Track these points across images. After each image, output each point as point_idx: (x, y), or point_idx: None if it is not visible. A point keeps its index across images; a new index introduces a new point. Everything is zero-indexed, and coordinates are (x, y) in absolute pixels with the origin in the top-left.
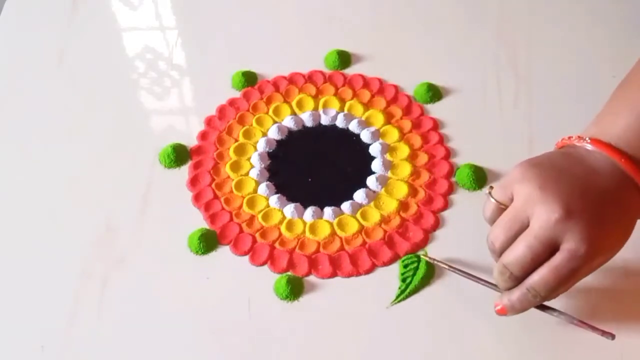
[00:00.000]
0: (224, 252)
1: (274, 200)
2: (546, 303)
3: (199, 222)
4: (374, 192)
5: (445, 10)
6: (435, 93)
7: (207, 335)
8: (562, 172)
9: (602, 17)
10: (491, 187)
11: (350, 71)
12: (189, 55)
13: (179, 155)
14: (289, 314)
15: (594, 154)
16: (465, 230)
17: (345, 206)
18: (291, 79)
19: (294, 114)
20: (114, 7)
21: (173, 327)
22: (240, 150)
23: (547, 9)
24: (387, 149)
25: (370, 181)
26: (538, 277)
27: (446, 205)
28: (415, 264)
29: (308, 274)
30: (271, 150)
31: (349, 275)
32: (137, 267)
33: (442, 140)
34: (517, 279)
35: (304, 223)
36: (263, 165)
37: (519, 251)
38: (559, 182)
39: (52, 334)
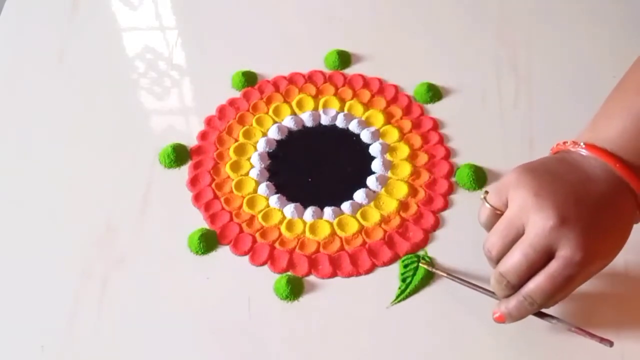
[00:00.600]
0: (224, 252)
1: (274, 200)
2: (545, 310)
3: (199, 222)
4: (374, 192)
5: (445, 10)
6: (435, 93)
7: (207, 335)
8: (556, 178)
9: (602, 17)
10: (486, 192)
11: (350, 71)
12: (189, 55)
13: (179, 155)
14: (289, 314)
15: (588, 159)
16: (465, 230)
17: (345, 206)
18: (291, 79)
19: (294, 114)
20: (114, 7)
21: (173, 327)
22: (240, 150)
23: (547, 9)
24: (387, 149)
25: (370, 181)
26: (534, 285)
27: (446, 205)
28: (415, 264)
29: (308, 274)
30: (271, 150)
31: (349, 275)
32: (137, 267)
33: (442, 140)
34: (514, 287)
35: (304, 223)
36: (263, 165)
37: (514, 259)
38: (553, 188)
39: (52, 334)
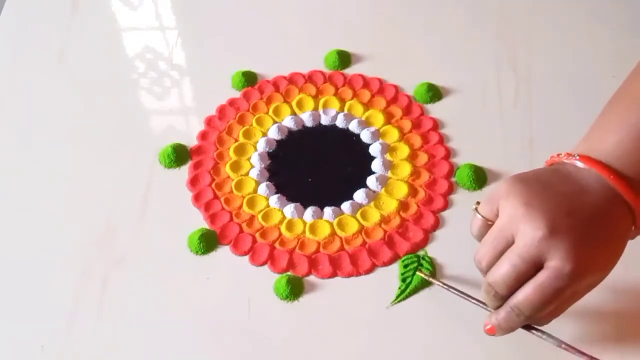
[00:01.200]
0: (224, 252)
1: (274, 200)
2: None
3: (199, 222)
4: (374, 192)
5: (445, 10)
6: (435, 93)
7: (207, 335)
8: (548, 188)
9: (602, 17)
10: (477, 203)
11: (350, 71)
12: (189, 55)
13: (179, 155)
14: (289, 314)
15: (582, 171)
16: (465, 230)
17: (345, 206)
18: (291, 79)
19: (294, 114)
20: (114, 7)
21: (173, 327)
22: (240, 150)
23: (547, 9)
24: (387, 149)
25: (370, 181)
26: (522, 295)
27: (446, 205)
28: (415, 264)
29: (308, 274)
30: (271, 150)
31: (349, 275)
32: (137, 267)
33: (442, 140)
34: (503, 298)
35: (304, 223)
36: (263, 165)
37: (503, 270)
38: (544, 198)
39: (52, 334)
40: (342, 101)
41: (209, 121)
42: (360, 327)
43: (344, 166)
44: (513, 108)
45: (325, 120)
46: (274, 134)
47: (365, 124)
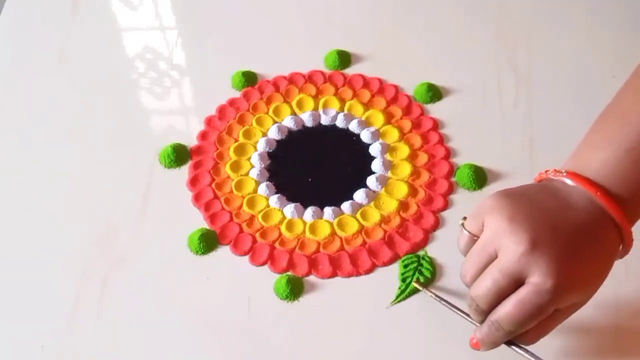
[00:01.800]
0: (224, 252)
1: (274, 200)
2: (529, 348)
3: (199, 222)
4: (374, 192)
5: (445, 11)
6: (435, 93)
7: (207, 335)
8: (534, 203)
9: (602, 17)
10: (464, 218)
11: (350, 71)
12: (189, 55)
13: (179, 155)
14: (289, 314)
15: (570, 188)
16: None
17: (345, 206)
18: (291, 79)
19: (294, 114)
20: (114, 7)
21: (173, 327)
22: (240, 150)
23: (547, 9)
24: (387, 149)
25: (370, 181)
26: (502, 311)
27: (446, 205)
28: (415, 264)
29: (308, 274)
30: (271, 150)
31: (349, 275)
32: (137, 267)
33: (442, 140)
34: (484, 312)
35: (304, 223)
36: (263, 165)
37: (484, 284)
38: (529, 213)
39: (52, 334)
40: (342, 101)
41: (209, 121)
42: (360, 327)
43: (344, 166)
44: (513, 108)
45: (325, 120)
46: (274, 134)
47: (365, 124)
